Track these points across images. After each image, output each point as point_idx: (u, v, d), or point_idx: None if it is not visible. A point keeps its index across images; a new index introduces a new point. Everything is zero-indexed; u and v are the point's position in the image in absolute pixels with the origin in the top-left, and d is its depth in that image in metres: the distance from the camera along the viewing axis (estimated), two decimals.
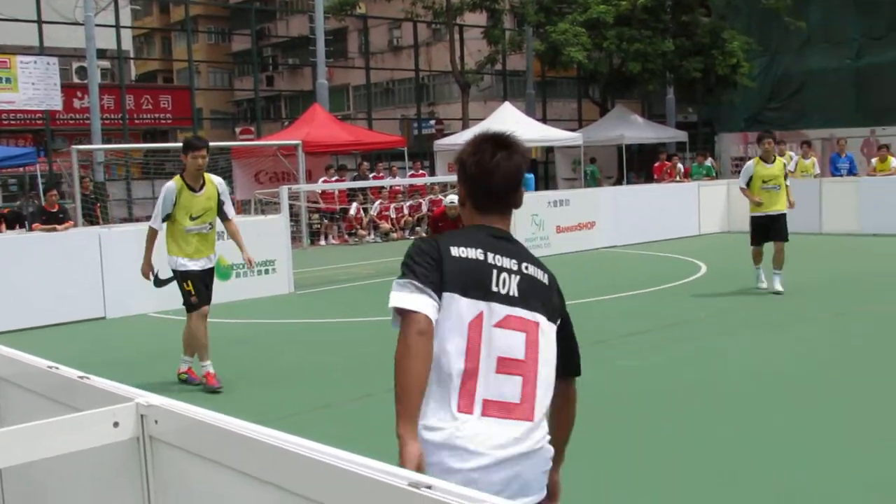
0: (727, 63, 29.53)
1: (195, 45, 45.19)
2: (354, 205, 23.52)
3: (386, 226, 23.66)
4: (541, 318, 2.81)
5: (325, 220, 23.38)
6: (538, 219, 17.56)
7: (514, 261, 2.87)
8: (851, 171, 21.25)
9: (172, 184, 7.97)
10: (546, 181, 34.68)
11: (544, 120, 34.40)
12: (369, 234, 23.60)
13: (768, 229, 11.94)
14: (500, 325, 2.76)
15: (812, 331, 9.70)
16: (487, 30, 31.65)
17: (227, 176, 24.03)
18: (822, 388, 7.34)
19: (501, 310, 2.77)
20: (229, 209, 8.31)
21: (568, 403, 2.99)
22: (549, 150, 34.37)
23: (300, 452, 1.85)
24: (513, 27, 34.57)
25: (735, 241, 19.78)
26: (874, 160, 21.34)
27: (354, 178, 24.59)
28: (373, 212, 23.73)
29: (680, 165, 24.58)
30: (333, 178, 23.37)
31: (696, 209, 20.87)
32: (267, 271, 13.49)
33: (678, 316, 10.68)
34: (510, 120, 26.76)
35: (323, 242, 22.90)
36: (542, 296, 2.86)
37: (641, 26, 28.85)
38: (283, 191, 14.42)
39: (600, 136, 30.31)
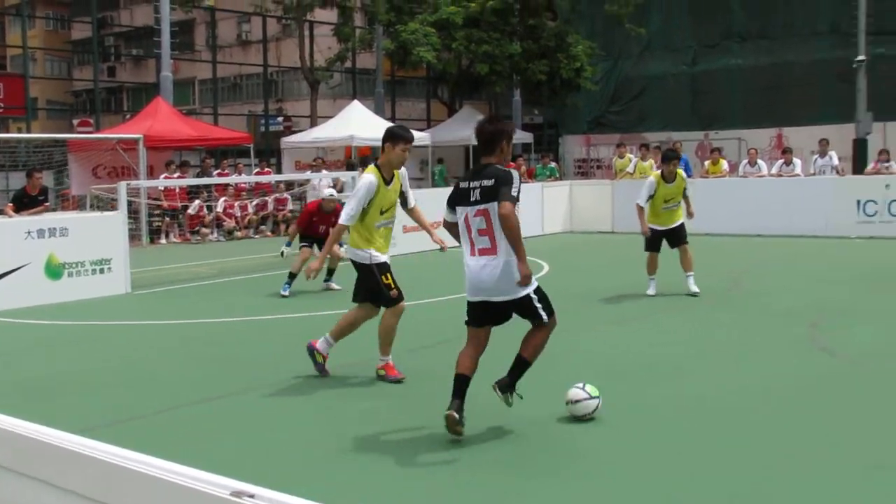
0: (572, 67, 30.28)
1: (31, 30, 43.32)
2: (196, 202, 22.98)
3: (230, 224, 23.23)
4: (490, 205, 5.90)
5: (167, 218, 22.71)
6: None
7: (476, 181, 6.02)
8: (686, 173, 22.07)
9: (373, 177, 7.48)
10: None
11: (393, 119, 34.46)
12: (212, 232, 23.08)
13: (667, 239, 12.18)
14: (475, 215, 5.99)
15: (651, 326, 10.04)
16: (337, 27, 31.52)
17: (63, 170, 23.17)
18: (677, 372, 7.60)
19: (473, 209, 5.99)
20: (411, 196, 8.05)
21: (503, 222, 5.84)
22: None
23: (120, 464, 1.80)
24: (363, 25, 34.55)
25: (578, 241, 20.37)
26: (707, 163, 22.31)
27: (198, 175, 23.99)
28: (218, 209, 23.26)
29: (524, 167, 25.08)
30: (175, 175, 22.78)
31: (539, 210, 21.32)
32: (102, 270, 12.98)
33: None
34: (359, 119, 26.76)
35: (164, 241, 22.22)
36: (489, 193, 5.91)
37: (490, 28, 29.28)
38: (122, 187, 13.93)
39: (448, 137, 30.60)
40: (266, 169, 26.11)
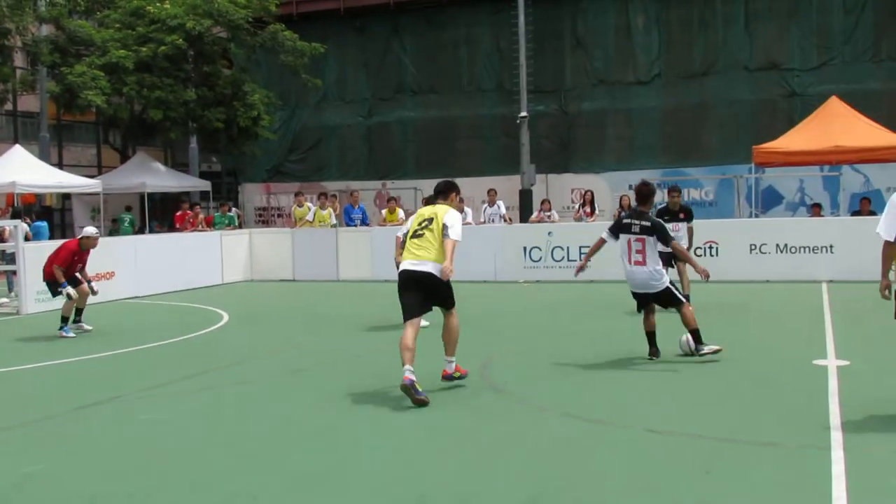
0: (249, 115, 30.08)
1: None
2: None
3: None
4: (648, 238, 10.01)
5: None
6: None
7: (637, 220, 10.13)
8: (364, 222, 22.57)
9: None
10: (63, 229, 32.84)
11: (60, 165, 32.64)
12: None
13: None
14: (636, 241, 10.04)
15: (331, 373, 10.04)
16: None
17: None
18: (347, 423, 7.61)
19: (634, 237, 10.04)
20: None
21: (676, 251, 10.69)
22: (66, 197, 32.64)
23: None
24: (25, 66, 32.50)
25: (258, 289, 20.15)
26: (384, 211, 22.88)
27: None
28: None
29: (202, 215, 24.56)
30: None
31: (219, 258, 20.93)
32: None
33: (201, 366, 10.54)
34: (21, 164, 25.11)
35: None
36: (647, 231, 10.10)
37: (163, 74, 28.49)
38: None
39: (121, 184, 29.38)
40: None
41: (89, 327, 13.74)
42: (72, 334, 13.24)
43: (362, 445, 6.97)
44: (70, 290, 13.35)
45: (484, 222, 21.54)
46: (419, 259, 8.57)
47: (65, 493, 6.03)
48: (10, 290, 18.28)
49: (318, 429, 7.59)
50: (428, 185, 30.76)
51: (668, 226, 13.93)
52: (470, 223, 21.26)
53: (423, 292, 8.60)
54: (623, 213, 11.76)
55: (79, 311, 13.74)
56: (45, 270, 13.79)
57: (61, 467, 6.64)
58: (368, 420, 7.78)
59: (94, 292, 13.77)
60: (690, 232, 14.40)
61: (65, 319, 13.39)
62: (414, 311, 8.58)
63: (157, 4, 28.66)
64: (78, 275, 13.71)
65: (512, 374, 9.59)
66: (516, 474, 6.13)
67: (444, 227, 8.53)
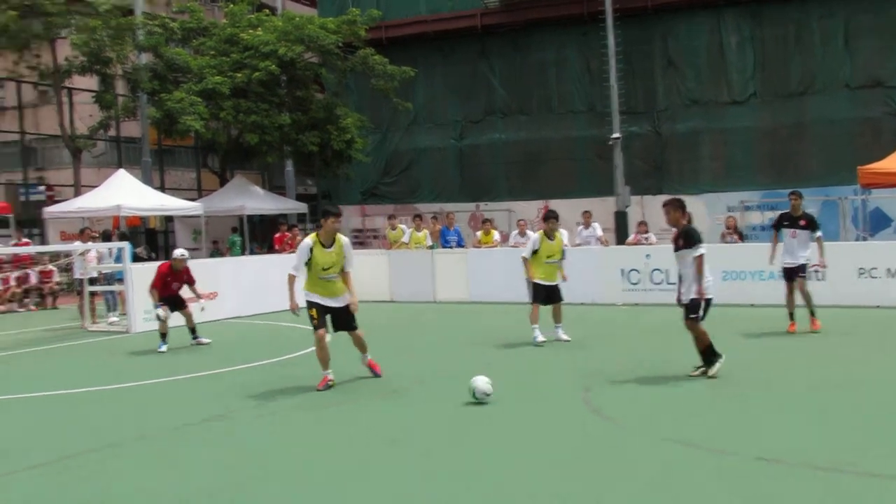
0: (342, 138, 30.50)
1: None
2: None
3: None
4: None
5: None
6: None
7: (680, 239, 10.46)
8: (459, 244, 22.68)
9: (309, 241, 10.38)
10: (167, 251, 33.67)
11: (162, 188, 33.52)
12: None
13: (549, 295, 13.66)
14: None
15: (431, 394, 10.10)
16: (98, 94, 30.40)
17: None
18: (446, 443, 7.64)
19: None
20: (348, 262, 10.53)
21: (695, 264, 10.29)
22: (168, 220, 33.50)
23: None
24: (126, 93, 33.52)
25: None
26: (479, 233, 22.95)
27: None
28: None
29: (300, 236, 24.93)
30: None
31: None
32: None
33: (302, 384, 10.69)
34: (126, 188, 25.84)
35: None
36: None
37: (258, 99, 29.11)
38: None
39: (221, 206, 30.04)
40: (24, 240, 24.61)
41: (207, 340, 14.80)
42: (163, 349, 14.12)
43: (455, 470, 6.98)
44: (159, 311, 14.33)
45: (580, 244, 21.40)
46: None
47: None
48: (110, 309, 18.84)
49: (422, 450, 7.64)
50: (520, 207, 30.91)
51: (786, 231, 13.79)
52: (565, 245, 21.14)
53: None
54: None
55: (192, 330, 14.76)
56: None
57: (172, 484, 6.81)
58: (460, 446, 7.79)
59: (201, 308, 14.74)
60: (819, 243, 13.89)
61: (162, 336, 14.31)
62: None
63: (251, 32, 29.33)
64: (183, 294, 14.43)
65: (614, 399, 9.49)
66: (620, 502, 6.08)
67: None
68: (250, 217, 31.66)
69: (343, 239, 10.52)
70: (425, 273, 21.35)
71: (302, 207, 32.89)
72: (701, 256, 10.11)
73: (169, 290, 14.51)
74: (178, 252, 14.81)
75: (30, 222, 31.03)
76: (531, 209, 30.77)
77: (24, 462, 7.53)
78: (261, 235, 34.50)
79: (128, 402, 10.31)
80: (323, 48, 29.57)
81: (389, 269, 21.85)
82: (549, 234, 13.76)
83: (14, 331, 17.96)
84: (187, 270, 14.79)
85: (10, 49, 29.02)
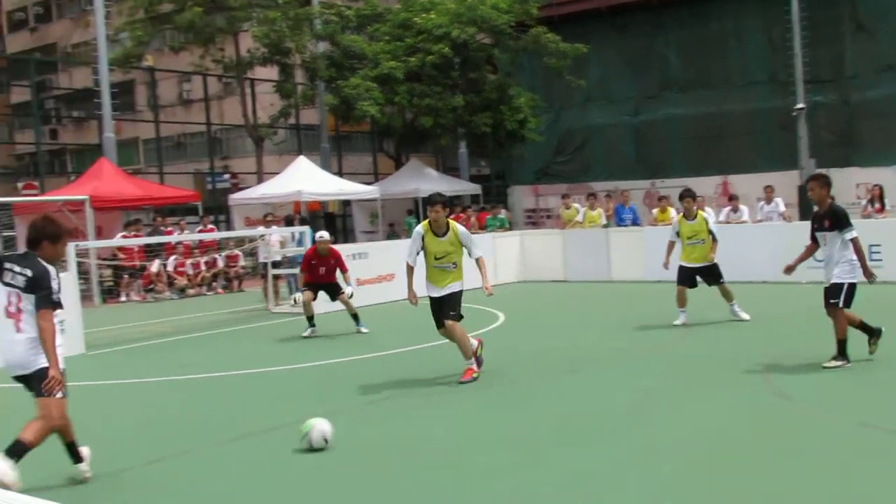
0: (515, 118, 30.45)
1: None
2: (157, 261, 22.74)
3: (182, 282, 22.93)
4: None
5: (126, 277, 22.50)
6: (338, 272, 17.35)
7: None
8: (635, 222, 22.23)
9: (419, 228, 10.18)
10: (345, 234, 34.58)
11: (340, 174, 34.39)
12: (166, 290, 22.83)
13: (696, 277, 13.31)
14: None
15: (608, 374, 9.93)
16: (279, 84, 31.44)
17: (11, 234, 22.72)
18: (626, 425, 7.48)
19: None
20: (473, 250, 10.07)
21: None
22: (346, 204, 34.35)
23: None
24: (304, 82, 34.53)
25: (530, 290, 20.29)
26: (655, 210, 22.41)
27: (150, 234, 23.79)
28: (169, 267, 23.00)
29: (473, 217, 25.09)
30: (132, 234, 22.59)
31: (491, 260, 21.24)
32: None
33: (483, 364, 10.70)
34: (305, 174, 26.61)
35: (124, 298, 22.20)
36: None
37: (431, 82, 29.38)
38: (70, 248, 13.65)
39: (396, 190, 30.55)
40: (210, 226, 25.74)
41: (366, 330, 14.36)
42: (306, 333, 14.09)
43: (635, 449, 6.79)
44: (297, 295, 14.45)
45: (761, 220, 20.59)
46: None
47: (353, 485, 6.27)
48: (292, 291, 19.40)
49: (595, 429, 7.50)
50: (697, 184, 29.90)
51: None
52: (746, 221, 20.44)
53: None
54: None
55: (354, 316, 14.47)
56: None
57: (349, 461, 6.92)
58: (644, 424, 7.59)
59: (350, 295, 14.36)
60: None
61: (308, 319, 14.23)
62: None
63: (423, 15, 29.59)
64: (340, 280, 14.36)
65: (799, 381, 9.04)
66: (805, 489, 5.76)
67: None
68: (425, 199, 32.03)
69: (458, 227, 10.12)
70: (600, 252, 21.03)
71: (475, 189, 33.05)
72: (856, 238, 9.42)
73: (316, 275, 14.25)
74: (318, 234, 14.66)
75: (216, 209, 32.48)
76: (708, 185, 29.85)
77: (236, 431, 7.86)
78: None
79: (315, 379, 10.60)
80: (495, 28, 29.55)
81: (563, 248, 21.65)
82: (688, 215, 13.28)
83: (202, 313, 18.80)
84: (337, 255, 14.49)
85: (196, 44, 30.40)
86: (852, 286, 9.47)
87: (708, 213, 21.05)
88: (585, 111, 34.31)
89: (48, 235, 6.48)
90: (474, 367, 9.81)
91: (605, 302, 17.64)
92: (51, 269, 6.38)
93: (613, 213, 22.59)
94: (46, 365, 6.17)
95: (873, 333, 9.65)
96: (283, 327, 15.80)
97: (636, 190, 30.51)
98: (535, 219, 34.82)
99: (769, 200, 20.79)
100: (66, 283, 13.11)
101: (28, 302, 6.25)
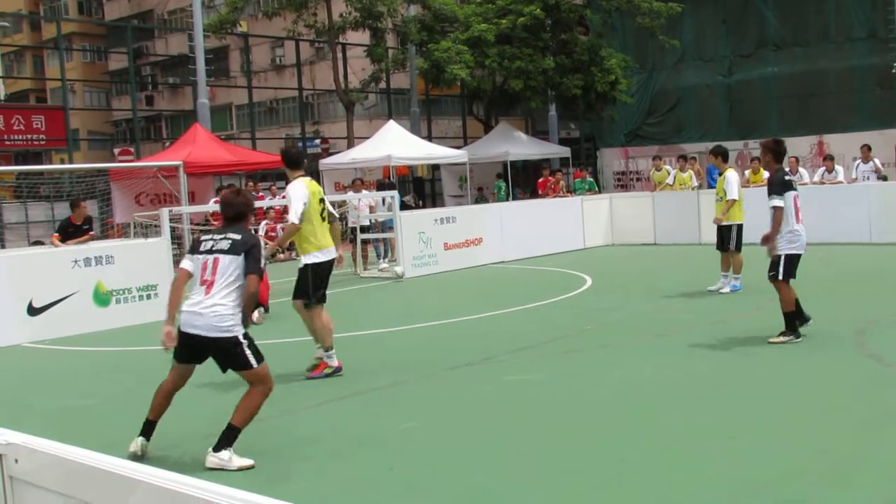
0: (606, 80, 30.14)
1: (70, 63, 43.98)
2: (264, 223, 23.21)
3: (273, 247, 23.34)
4: None
5: None
6: (425, 236, 17.54)
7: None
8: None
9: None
10: (433, 198, 34.77)
11: (429, 138, 34.51)
12: None
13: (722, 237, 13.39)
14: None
15: (696, 340, 9.87)
16: (370, 48, 31.64)
17: (106, 198, 23.38)
18: (699, 396, 7.47)
19: None
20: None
21: None
22: (435, 168, 34.50)
23: (176, 489, 1.74)
24: (395, 46, 34.69)
25: (619, 254, 20.18)
26: (748, 172, 21.98)
27: None
28: (260, 232, 23.42)
29: (562, 181, 24.97)
30: None
31: (580, 223, 21.19)
32: (149, 296, 13.06)
33: (565, 329, 10.76)
34: (395, 138, 26.77)
35: None
36: None
37: (522, 44, 29.24)
38: (164, 213, 14.01)
39: (485, 153, 30.56)
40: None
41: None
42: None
43: (726, 411, 6.78)
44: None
45: (856, 179, 20.08)
46: None
47: (441, 446, 6.41)
48: (381, 256, 19.58)
49: (674, 394, 7.50)
50: (792, 144, 29.29)
51: None
52: (841, 181, 19.97)
53: None
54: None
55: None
56: None
57: (437, 423, 7.07)
58: (722, 387, 7.57)
59: None
60: None
61: None
62: None
63: None
64: None
65: (893, 343, 8.89)
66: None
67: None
68: (513, 163, 32.00)
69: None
70: (691, 215, 20.76)
71: (565, 152, 32.85)
72: (776, 208, 9.06)
73: None
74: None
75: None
76: (803, 145, 29.15)
77: (385, 380, 8.09)
78: (524, 180, 34.83)
79: (442, 337, 10.81)
80: None
81: (654, 211, 21.44)
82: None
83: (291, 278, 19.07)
84: None
85: (289, 9, 30.73)
86: (790, 258, 9.16)
87: (802, 174, 20.70)
88: (678, 71, 33.74)
89: (251, 209, 6.77)
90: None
91: (696, 265, 17.42)
92: (260, 239, 6.48)
93: (705, 175, 22.24)
94: (237, 333, 6.24)
95: (803, 319, 9.27)
96: (373, 291, 16.02)
97: (729, 150, 29.90)
98: (625, 181, 34.48)
99: (866, 159, 20.26)
100: (160, 248, 13.62)
101: (231, 268, 6.26)
